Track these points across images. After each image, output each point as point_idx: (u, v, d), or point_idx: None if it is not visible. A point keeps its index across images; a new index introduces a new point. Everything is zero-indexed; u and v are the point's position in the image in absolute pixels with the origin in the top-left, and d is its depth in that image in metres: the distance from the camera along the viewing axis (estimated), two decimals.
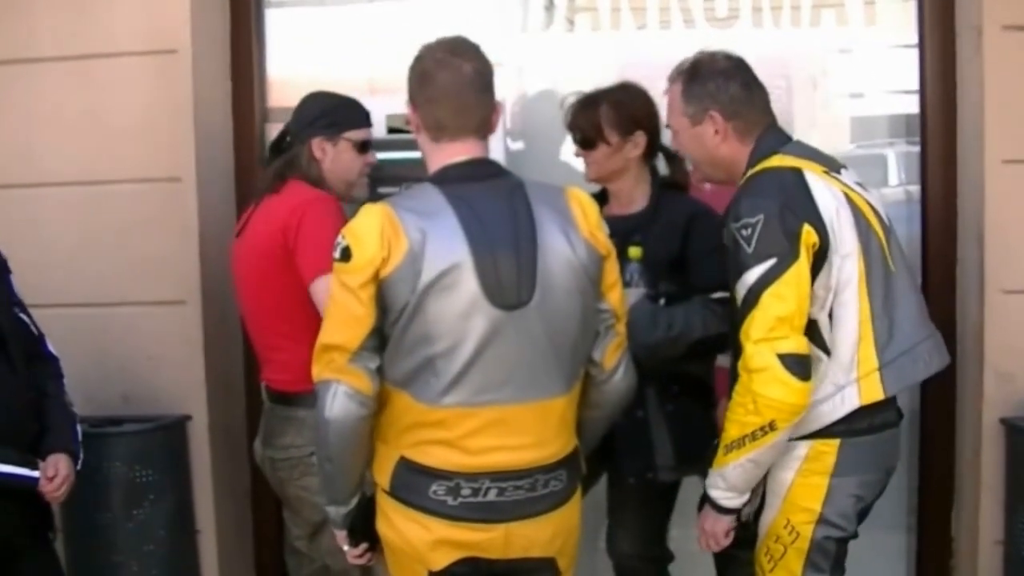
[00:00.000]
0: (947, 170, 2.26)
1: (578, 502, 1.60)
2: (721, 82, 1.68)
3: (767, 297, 1.54)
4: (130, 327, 2.28)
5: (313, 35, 2.50)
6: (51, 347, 1.89)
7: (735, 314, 1.60)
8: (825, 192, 1.61)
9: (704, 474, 1.69)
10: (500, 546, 1.50)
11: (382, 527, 1.54)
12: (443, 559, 1.49)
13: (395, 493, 1.51)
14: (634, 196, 1.99)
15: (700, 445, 1.76)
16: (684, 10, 2.41)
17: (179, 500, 2.24)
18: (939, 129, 2.26)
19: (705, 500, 1.67)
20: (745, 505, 1.65)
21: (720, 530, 1.67)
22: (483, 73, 1.55)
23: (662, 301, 1.91)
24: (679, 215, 1.96)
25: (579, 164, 2.04)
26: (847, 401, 1.62)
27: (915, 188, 2.36)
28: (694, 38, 2.39)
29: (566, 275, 1.51)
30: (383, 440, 1.53)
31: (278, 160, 1.94)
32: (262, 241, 1.85)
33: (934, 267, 2.28)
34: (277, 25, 2.47)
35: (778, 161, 1.65)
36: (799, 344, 1.55)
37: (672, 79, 1.74)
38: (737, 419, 1.57)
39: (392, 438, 1.51)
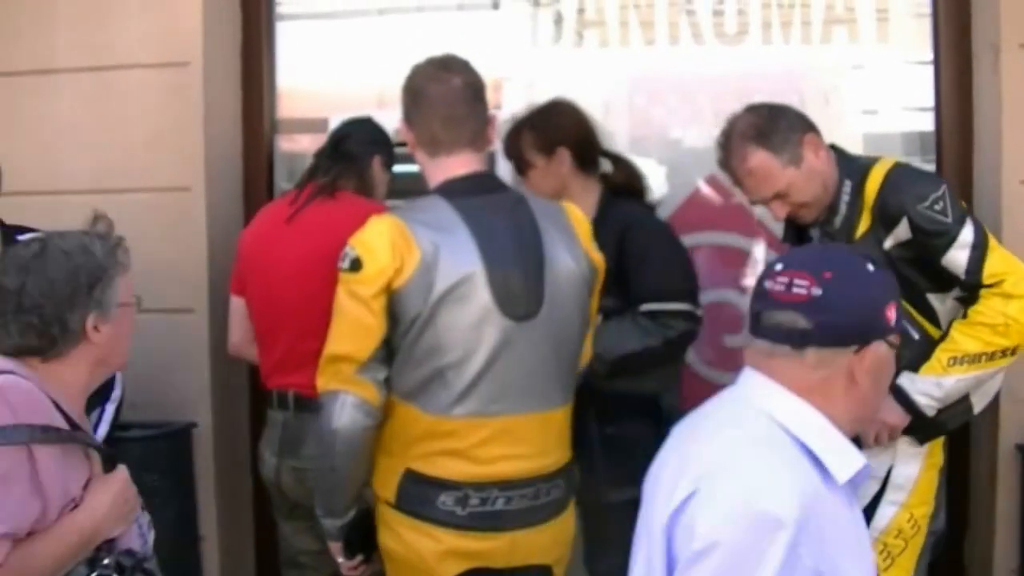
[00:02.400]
0: (963, 189, 2.21)
1: (573, 511, 1.62)
2: (780, 115, 1.71)
3: (992, 242, 1.65)
4: (138, 334, 2.28)
5: (323, 48, 2.53)
6: None
7: (967, 270, 1.62)
8: None
9: None
10: (505, 554, 1.51)
11: (387, 541, 1.53)
12: (452, 569, 1.50)
13: (401, 506, 1.51)
14: (584, 207, 1.93)
15: (641, 467, 1.75)
16: (693, 25, 2.40)
17: (183, 506, 2.26)
18: (955, 148, 2.24)
19: (900, 398, 1.65)
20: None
21: (899, 425, 1.67)
22: (473, 86, 1.56)
23: (599, 318, 1.85)
24: (616, 225, 1.91)
25: None
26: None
27: None
28: (703, 54, 2.40)
29: (571, 287, 1.53)
30: (387, 453, 1.53)
31: (338, 166, 1.96)
32: (325, 245, 1.77)
33: None
34: (288, 38, 2.51)
35: (893, 158, 1.74)
36: None
37: (740, 160, 1.70)
38: (981, 337, 1.62)
39: (397, 450, 1.52)
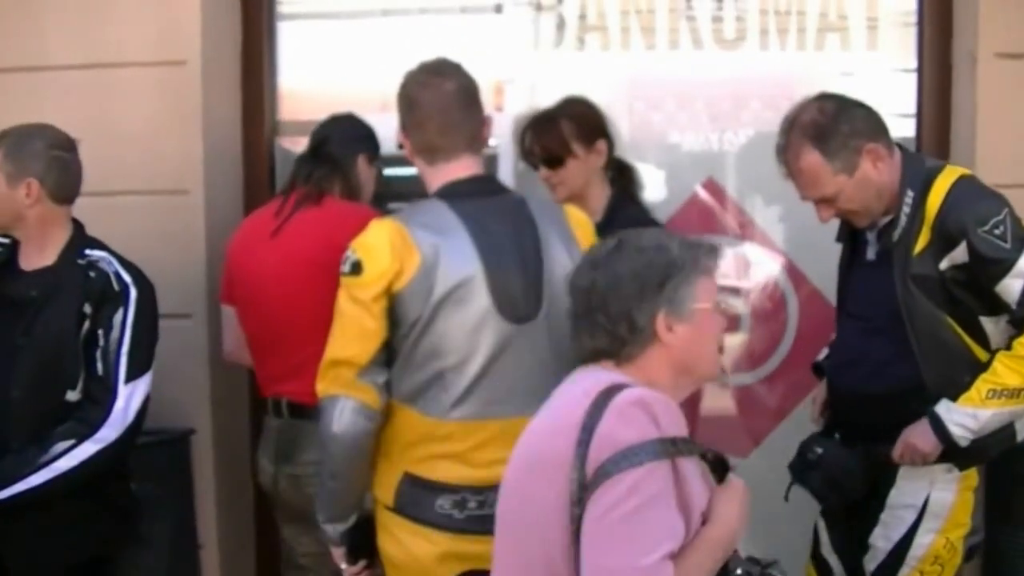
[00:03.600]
0: None
1: None
2: (845, 118, 1.64)
3: None
4: None
5: (325, 49, 2.51)
6: None
7: (1019, 302, 1.57)
8: None
9: None
10: None
11: (385, 544, 1.54)
12: (449, 572, 1.50)
13: (400, 509, 1.51)
14: (595, 209, 1.97)
15: None
16: (692, 31, 2.44)
17: (182, 514, 2.23)
18: (933, 152, 2.29)
19: (934, 424, 1.62)
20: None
21: (929, 454, 1.64)
22: (466, 89, 1.57)
23: None
24: (624, 228, 1.95)
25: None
26: None
27: None
28: (702, 59, 2.44)
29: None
30: (386, 456, 1.53)
31: (320, 171, 1.94)
32: (316, 252, 1.81)
33: None
34: (289, 38, 2.48)
35: (958, 171, 1.67)
36: None
37: (794, 156, 1.65)
38: (1023, 371, 1.58)
39: (396, 454, 1.52)
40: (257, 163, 2.42)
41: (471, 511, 1.48)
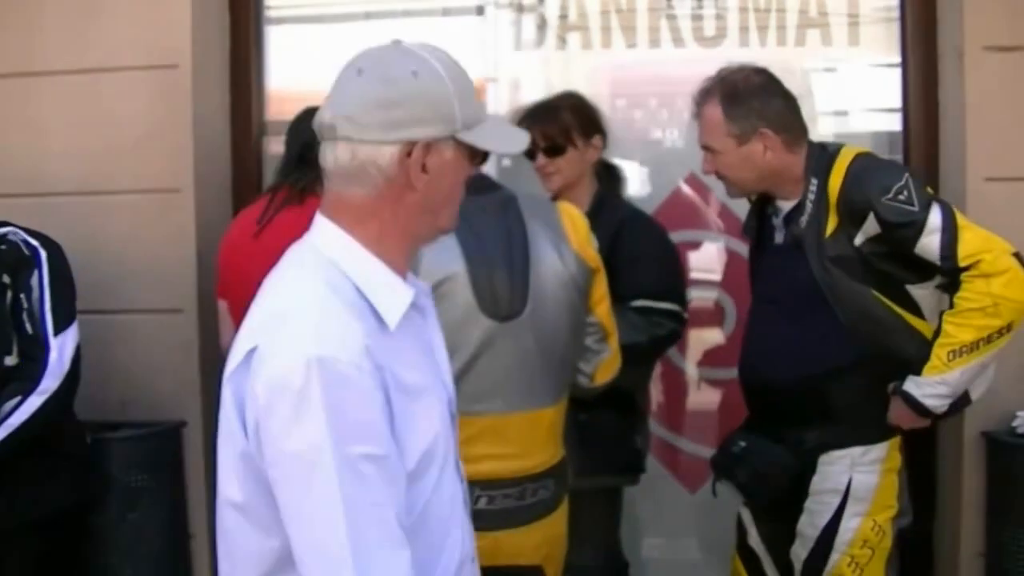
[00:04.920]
0: (930, 187, 2.30)
1: (564, 511, 1.62)
2: (765, 98, 1.69)
3: (961, 221, 1.60)
4: (128, 335, 2.32)
5: (311, 51, 2.55)
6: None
7: (942, 255, 1.58)
8: None
9: (620, 482, 1.68)
10: (488, 554, 1.49)
11: None
12: None
13: None
14: (582, 203, 1.99)
15: (612, 456, 1.77)
16: (673, 29, 2.46)
17: (173, 505, 2.26)
18: (921, 147, 2.29)
19: (908, 402, 1.64)
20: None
21: (917, 425, 1.66)
22: None
23: None
24: (612, 221, 1.95)
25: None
26: None
27: None
28: (682, 57, 2.45)
29: (557, 288, 1.54)
30: None
31: (307, 177, 1.94)
32: None
33: None
34: (276, 41, 2.52)
35: (853, 149, 1.69)
36: (1012, 246, 1.59)
37: (703, 100, 1.72)
38: (973, 323, 1.58)
39: None
40: (245, 162, 2.46)
41: None
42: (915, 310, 1.67)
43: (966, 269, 1.59)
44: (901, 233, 1.61)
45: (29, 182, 2.34)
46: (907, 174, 1.64)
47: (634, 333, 1.84)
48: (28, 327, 1.83)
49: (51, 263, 1.87)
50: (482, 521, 1.48)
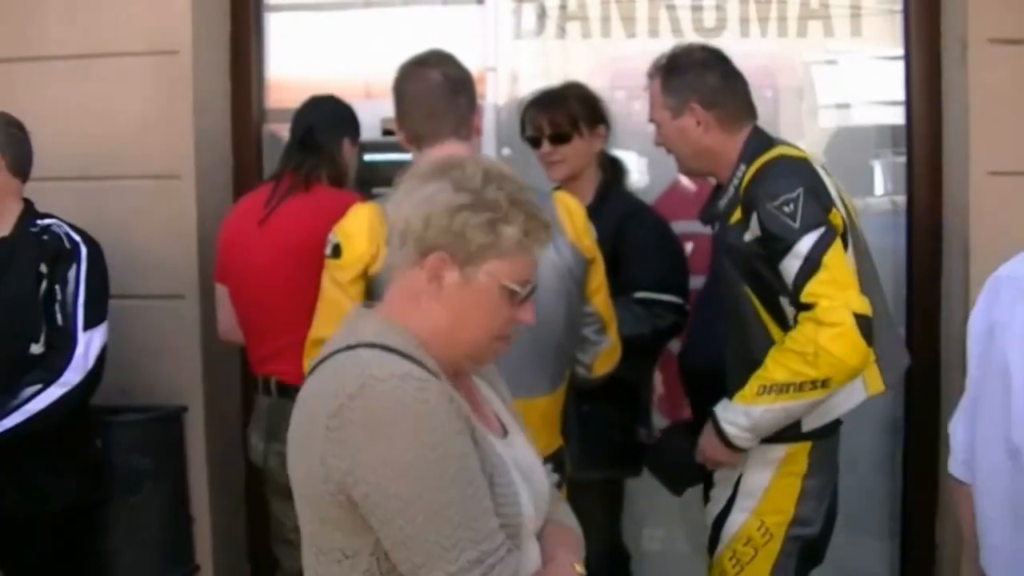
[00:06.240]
0: (933, 181, 2.28)
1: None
2: (699, 72, 1.69)
3: (828, 259, 1.51)
4: (130, 320, 2.33)
5: (311, 38, 2.55)
6: None
7: (793, 284, 1.52)
8: (829, 181, 1.63)
9: (622, 475, 1.67)
10: None
11: None
12: None
13: None
14: (586, 193, 2.00)
15: (614, 448, 1.77)
16: (673, 20, 2.45)
17: (175, 488, 2.29)
18: (925, 140, 2.28)
19: (713, 425, 1.59)
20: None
21: (721, 460, 1.62)
22: (453, 79, 1.60)
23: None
24: (615, 212, 1.96)
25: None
26: (855, 394, 1.59)
27: (901, 199, 2.38)
28: None
29: (551, 278, 1.54)
30: None
31: (310, 160, 1.97)
32: (303, 239, 1.82)
33: (919, 277, 2.30)
34: (276, 28, 2.52)
35: (784, 151, 1.66)
36: (866, 306, 1.50)
37: (651, 74, 1.75)
38: (789, 365, 1.50)
39: None
40: (246, 148, 2.46)
41: None
42: (782, 321, 1.59)
43: (805, 308, 1.51)
44: (771, 245, 1.55)
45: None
46: (802, 189, 1.55)
47: (637, 324, 1.84)
48: (59, 318, 1.84)
49: (91, 260, 1.89)
50: None
